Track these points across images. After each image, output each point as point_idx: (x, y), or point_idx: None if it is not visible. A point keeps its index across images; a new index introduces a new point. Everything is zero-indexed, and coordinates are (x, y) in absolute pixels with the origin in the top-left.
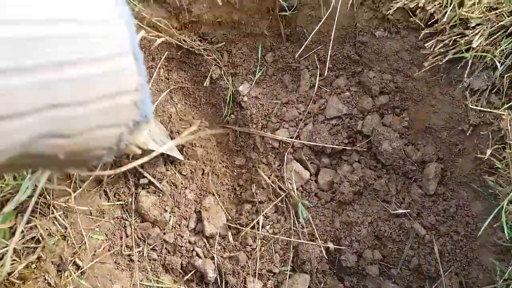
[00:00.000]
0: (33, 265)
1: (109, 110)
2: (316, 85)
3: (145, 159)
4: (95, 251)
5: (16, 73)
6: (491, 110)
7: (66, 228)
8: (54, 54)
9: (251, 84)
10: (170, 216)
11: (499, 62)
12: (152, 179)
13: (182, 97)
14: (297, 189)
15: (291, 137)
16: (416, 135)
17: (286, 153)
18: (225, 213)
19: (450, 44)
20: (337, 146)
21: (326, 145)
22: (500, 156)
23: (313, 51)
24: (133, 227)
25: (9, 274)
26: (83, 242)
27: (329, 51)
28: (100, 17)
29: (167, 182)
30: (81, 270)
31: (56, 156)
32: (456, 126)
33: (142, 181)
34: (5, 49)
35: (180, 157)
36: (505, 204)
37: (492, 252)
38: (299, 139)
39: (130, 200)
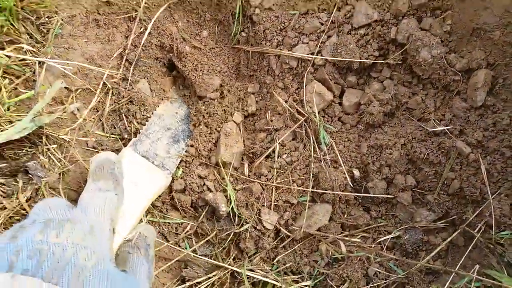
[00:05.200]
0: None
1: None
2: None
3: None
4: None
5: None
6: None
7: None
8: None
9: None
10: (178, 168)
11: None
12: None
13: (184, 13)
14: (318, 112)
15: (312, 53)
16: (460, 40)
17: (305, 73)
18: (243, 144)
19: None
20: (366, 60)
21: (353, 60)
22: None
23: None
24: None
25: None
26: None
27: None
28: None
29: None
30: None
31: None
32: None
33: None
34: None
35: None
36: None
37: None
38: (321, 55)
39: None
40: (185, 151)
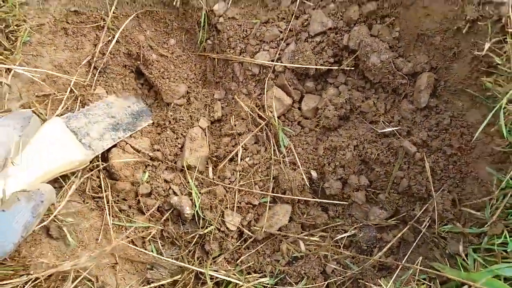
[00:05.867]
0: None
1: None
2: None
3: None
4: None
5: None
6: None
7: None
8: None
9: (228, 3)
10: (144, 172)
11: None
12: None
13: (152, 22)
14: (278, 117)
15: (272, 60)
16: (407, 46)
17: (266, 79)
18: (209, 148)
19: None
20: (321, 67)
21: (310, 66)
22: (499, 51)
23: None
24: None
25: None
26: None
27: None
28: None
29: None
30: None
31: None
32: (451, 27)
33: None
34: None
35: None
36: (504, 103)
37: (489, 162)
38: (281, 62)
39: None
40: (120, 140)
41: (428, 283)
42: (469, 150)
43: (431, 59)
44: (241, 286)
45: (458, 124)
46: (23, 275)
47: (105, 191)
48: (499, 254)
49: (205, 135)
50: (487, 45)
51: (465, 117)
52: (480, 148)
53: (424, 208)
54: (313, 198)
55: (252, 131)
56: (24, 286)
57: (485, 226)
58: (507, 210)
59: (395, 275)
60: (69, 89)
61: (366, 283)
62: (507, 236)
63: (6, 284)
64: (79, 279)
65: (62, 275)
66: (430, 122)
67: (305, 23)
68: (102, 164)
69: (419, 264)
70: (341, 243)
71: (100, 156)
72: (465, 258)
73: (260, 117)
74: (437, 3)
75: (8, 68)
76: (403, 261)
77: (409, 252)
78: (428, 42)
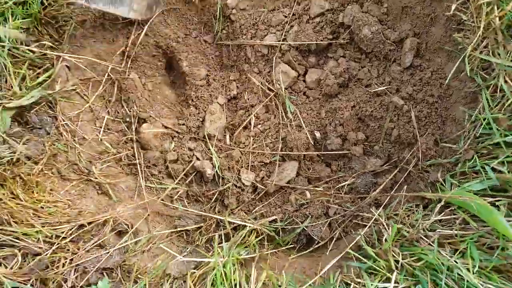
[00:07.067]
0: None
1: None
2: None
3: None
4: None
5: None
6: None
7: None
8: None
9: None
10: (171, 143)
11: None
12: None
13: (175, 18)
14: (285, 89)
15: (278, 41)
16: (394, 19)
17: (274, 58)
18: (226, 120)
19: None
20: (321, 42)
21: (311, 42)
22: (465, 10)
23: None
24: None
25: None
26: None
27: None
28: None
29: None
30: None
31: None
32: None
33: None
34: None
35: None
36: (469, 51)
37: (463, 104)
38: (286, 41)
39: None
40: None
41: (413, 209)
42: (448, 97)
43: (414, 26)
44: (254, 228)
45: (438, 77)
46: (71, 221)
47: (138, 159)
48: (471, 175)
49: (223, 110)
50: (453, 6)
51: (443, 70)
52: (456, 93)
53: (412, 151)
54: (317, 153)
55: (263, 102)
56: (72, 229)
57: (459, 154)
58: (477, 139)
59: (383, 204)
60: (106, 74)
61: (362, 215)
62: (477, 159)
63: (59, 228)
64: (117, 223)
65: (103, 222)
66: (414, 79)
67: (306, 8)
68: (135, 136)
69: (404, 191)
70: (342, 191)
71: (134, 130)
72: (443, 183)
73: (270, 89)
74: None
75: (58, 56)
76: (392, 192)
77: (397, 186)
78: (411, 12)
